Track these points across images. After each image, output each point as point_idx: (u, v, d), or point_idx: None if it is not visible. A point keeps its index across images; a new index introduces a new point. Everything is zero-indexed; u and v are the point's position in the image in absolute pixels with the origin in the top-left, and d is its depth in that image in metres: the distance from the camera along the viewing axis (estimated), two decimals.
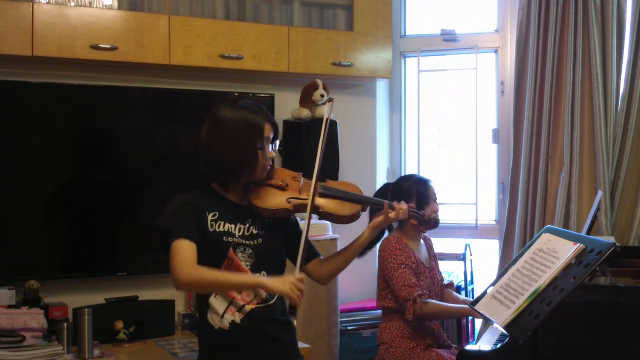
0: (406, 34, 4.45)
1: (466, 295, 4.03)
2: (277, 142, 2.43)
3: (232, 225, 2.31)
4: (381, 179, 4.31)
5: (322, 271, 2.51)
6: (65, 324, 3.04)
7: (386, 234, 3.22)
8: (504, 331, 2.21)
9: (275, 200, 2.36)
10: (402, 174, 4.43)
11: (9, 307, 3.05)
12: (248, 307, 2.29)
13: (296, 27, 3.82)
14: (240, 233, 2.32)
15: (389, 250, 3.09)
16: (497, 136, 4.29)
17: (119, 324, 3.28)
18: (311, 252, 2.49)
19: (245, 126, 2.32)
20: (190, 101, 3.61)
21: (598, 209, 3.23)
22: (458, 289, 4.01)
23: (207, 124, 2.36)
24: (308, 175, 2.44)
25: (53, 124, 3.33)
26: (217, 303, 2.30)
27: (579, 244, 2.18)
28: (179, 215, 2.27)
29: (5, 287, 3.12)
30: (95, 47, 3.31)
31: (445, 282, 3.34)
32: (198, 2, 3.63)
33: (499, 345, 2.83)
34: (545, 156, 3.91)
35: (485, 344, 2.99)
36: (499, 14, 4.31)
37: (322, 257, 2.53)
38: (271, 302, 2.33)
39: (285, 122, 3.80)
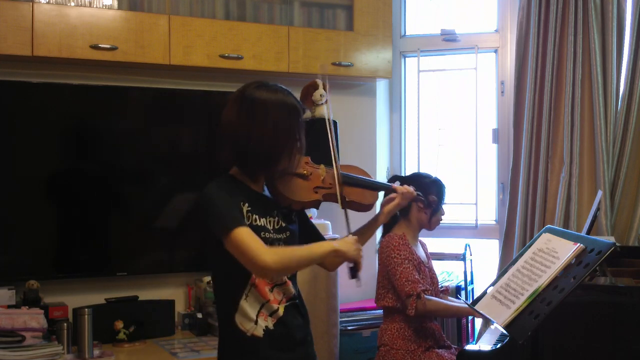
0: (406, 34, 4.45)
1: (466, 296, 4.03)
2: None
3: (264, 220, 2.11)
4: (381, 179, 4.30)
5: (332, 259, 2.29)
6: (65, 324, 3.05)
7: (380, 235, 3.22)
8: (504, 331, 2.21)
9: (305, 192, 2.23)
10: (402, 174, 4.43)
11: (9, 307, 3.06)
12: (281, 310, 2.11)
13: (296, 27, 3.82)
14: (272, 227, 2.13)
15: (392, 247, 3.10)
16: (497, 136, 4.29)
17: (119, 324, 3.28)
18: (320, 239, 2.35)
19: (286, 111, 2.13)
20: (190, 101, 3.62)
21: (598, 209, 3.23)
22: (458, 289, 4.01)
23: (236, 103, 2.12)
24: (315, 161, 2.34)
25: (53, 124, 3.33)
26: (248, 306, 2.08)
27: (579, 244, 2.18)
28: (223, 204, 2.02)
29: (5, 287, 3.12)
30: (95, 47, 3.31)
31: (441, 287, 3.34)
32: (198, 2, 3.63)
33: (499, 345, 2.83)
34: (545, 156, 3.91)
35: (485, 344, 2.99)
36: (499, 14, 4.30)
37: None
38: (297, 300, 2.18)
39: None
